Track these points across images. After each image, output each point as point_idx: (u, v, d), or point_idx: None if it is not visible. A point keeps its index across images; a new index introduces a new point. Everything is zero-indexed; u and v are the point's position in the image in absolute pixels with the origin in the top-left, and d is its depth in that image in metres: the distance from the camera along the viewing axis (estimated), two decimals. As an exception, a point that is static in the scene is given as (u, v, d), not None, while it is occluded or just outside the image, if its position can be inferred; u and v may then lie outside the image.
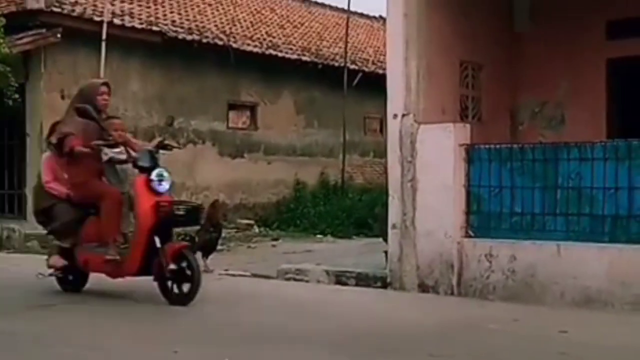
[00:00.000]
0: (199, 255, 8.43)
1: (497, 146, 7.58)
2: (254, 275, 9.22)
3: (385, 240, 8.22)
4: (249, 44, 16.40)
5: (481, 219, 7.52)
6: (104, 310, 6.78)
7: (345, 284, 8.33)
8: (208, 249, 9.32)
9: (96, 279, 7.52)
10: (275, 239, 14.26)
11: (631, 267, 6.50)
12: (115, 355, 5.09)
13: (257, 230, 15.54)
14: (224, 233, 14.72)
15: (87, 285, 7.60)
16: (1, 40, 12.85)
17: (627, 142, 6.81)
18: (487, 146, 7.59)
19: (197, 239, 9.04)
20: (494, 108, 9.49)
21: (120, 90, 14.35)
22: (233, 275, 9.17)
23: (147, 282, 6.97)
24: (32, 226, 13.06)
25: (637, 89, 9.37)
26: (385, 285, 7.98)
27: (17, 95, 13.12)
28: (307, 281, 8.59)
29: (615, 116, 9.45)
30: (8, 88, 12.92)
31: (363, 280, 8.27)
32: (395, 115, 8.01)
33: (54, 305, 6.89)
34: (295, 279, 8.68)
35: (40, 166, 8.04)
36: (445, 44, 8.48)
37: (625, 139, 6.97)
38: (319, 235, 14.60)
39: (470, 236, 7.52)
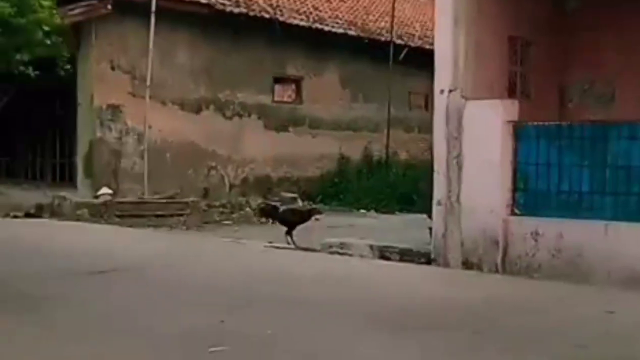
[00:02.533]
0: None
1: (546, 123, 7.52)
2: (298, 248, 9.31)
3: (430, 216, 8.22)
4: (295, 18, 16.39)
5: (528, 196, 7.48)
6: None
7: (388, 258, 8.38)
8: (285, 224, 9.73)
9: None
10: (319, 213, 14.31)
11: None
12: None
13: (300, 203, 15.62)
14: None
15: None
16: (54, 12, 13.09)
17: (680, 121, 6.70)
18: (535, 123, 7.53)
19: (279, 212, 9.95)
20: (543, 85, 9.37)
21: (168, 62, 14.54)
22: (277, 247, 9.27)
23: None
24: (82, 194, 13.42)
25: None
26: (429, 261, 8.01)
27: (68, 66, 13.37)
28: (350, 255, 8.65)
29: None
30: (60, 58, 13.19)
31: (407, 255, 8.30)
32: (442, 91, 7.98)
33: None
34: (339, 253, 8.75)
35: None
36: (494, 20, 8.39)
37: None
38: (362, 210, 14.65)
39: (516, 214, 7.49)
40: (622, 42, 9.27)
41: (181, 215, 13.12)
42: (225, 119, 15.56)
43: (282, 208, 10.11)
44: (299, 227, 9.69)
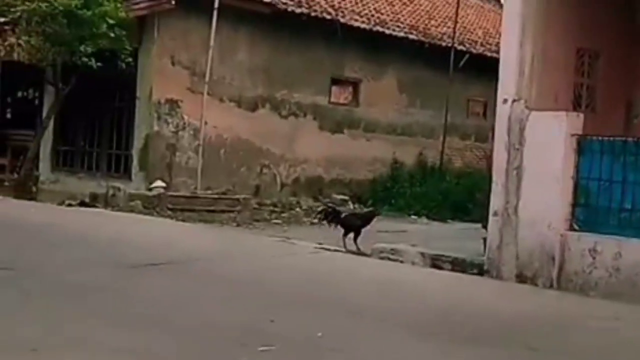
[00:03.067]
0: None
1: (611, 138, 7.30)
2: (348, 252, 9.24)
3: (485, 226, 8.07)
4: (356, 20, 16.33)
5: (588, 212, 7.28)
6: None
7: (440, 267, 8.25)
8: (348, 228, 9.60)
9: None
10: (370, 217, 14.22)
11: None
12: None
13: (351, 206, 15.56)
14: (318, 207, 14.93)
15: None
16: (119, 5, 13.28)
17: None
18: (599, 138, 7.32)
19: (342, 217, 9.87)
20: (609, 98, 9.12)
21: (227, 60, 14.62)
22: (328, 249, 9.22)
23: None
24: (136, 186, 13.57)
25: None
26: (481, 272, 7.86)
27: (130, 59, 13.55)
28: (401, 262, 8.55)
29: None
30: (122, 51, 13.37)
31: (459, 265, 8.16)
32: (505, 100, 7.82)
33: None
34: (389, 259, 8.65)
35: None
36: (562, 30, 8.20)
37: None
38: (413, 216, 14.51)
39: (574, 229, 7.30)
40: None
41: (232, 211, 13.18)
42: (280, 118, 15.58)
43: (344, 212, 10.05)
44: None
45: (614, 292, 6.87)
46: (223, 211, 13.13)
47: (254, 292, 6.30)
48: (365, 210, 10.19)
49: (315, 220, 9.65)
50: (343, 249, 9.32)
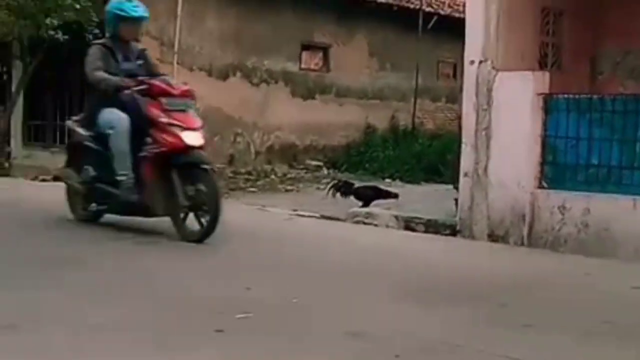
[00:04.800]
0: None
1: (576, 96, 7.42)
2: (323, 217, 9.34)
3: (456, 188, 8.19)
4: (324, -16, 16.23)
5: (556, 170, 7.42)
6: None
7: (414, 229, 8.38)
8: (361, 198, 9.91)
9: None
10: (344, 182, 14.33)
11: None
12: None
13: (325, 172, 15.65)
14: (293, 174, 15.01)
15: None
16: (83, -24, 13.08)
17: None
18: (565, 96, 7.43)
19: (354, 188, 10.19)
20: (574, 56, 9.23)
21: (197, 29, 14.51)
22: (302, 215, 9.31)
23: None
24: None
25: None
26: (454, 233, 8.00)
27: (97, 31, 13.38)
28: (375, 225, 8.66)
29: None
30: (89, 23, 13.20)
31: (432, 227, 8.29)
32: (472, 62, 7.89)
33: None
34: (364, 223, 8.76)
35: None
36: (526, -11, 8.25)
37: None
38: (387, 180, 14.60)
39: (543, 187, 7.44)
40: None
41: (207, 181, 13.16)
42: (252, 85, 15.55)
43: (357, 185, 10.38)
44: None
45: (583, 248, 7.03)
46: (198, 181, 13.10)
47: (230, 261, 6.37)
48: (386, 189, 10.55)
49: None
50: (317, 214, 9.41)
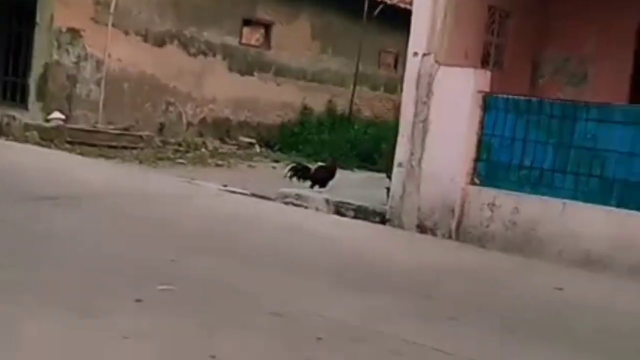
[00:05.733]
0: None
1: (516, 97, 7.47)
2: (253, 195, 9.18)
3: (389, 176, 8.17)
4: (272, -40, 15.98)
5: (489, 167, 7.47)
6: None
7: (344, 214, 8.32)
8: (317, 182, 9.74)
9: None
10: (276, 161, 14.19)
11: (636, 233, 6.47)
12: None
13: (258, 150, 15.46)
14: (225, 149, 14.76)
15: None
16: None
17: (649, 109, 6.72)
18: (505, 96, 7.48)
19: (311, 172, 10.03)
20: (517, 58, 9.32)
21: (135, -9, 14.06)
22: (233, 192, 9.13)
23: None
24: (32, 116, 13.01)
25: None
26: (383, 221, 7.97)
27: (30, -18, 12.83)
28: (305, 207, 8.57)
29: (639, 80, 9.29)
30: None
31: (362, 213, 8.25)
32: (415, 54, 7.85)
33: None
34: (294, 204, 8.66)
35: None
36: (476, -14, 8.26)
37: (647, 105, 6.88)
38: (320, 163, 14.51)
39: (475, 184, 7.48)
40: (600, 24, 9.22)
41: (134, 148, 12.85)
42: (189, 55, 15.17)
43: (313, 168, 10.30)
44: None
45: (510, 246, 7.10)
46: (125, 147, 12.79)
47: (157, 231, 6.18)
48: (330, 162, 10.45)
49: (287, 178, 9.80)
50: (247, 192, 9.26)
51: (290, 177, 9.88)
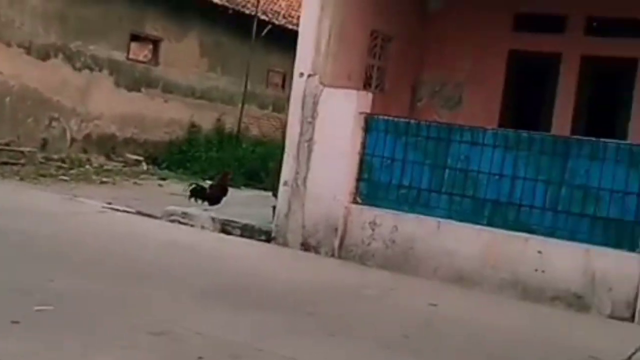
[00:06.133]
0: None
1: (395, 119, 7.78)
2: (138, 213, 9.11)
3: (275, 195, 8.30)
4: (161, -23, 15.90)
5: (370, 187, 7.72)
6: None
7: (230, 233, 8.38)
8: (212, 201, 9.84)
9: None
10: (163, 179, 14.10)
11: (503, 251, 6.86)
12: None
13: (145, 167, 15.29)
14: (110, 166, 14.53)
15: None
16: None
17: (517, 132, 7.15)
18: (385, 117, 7.76)
19: (207, 191, 10.17)
20: (398, 81, 9.69)
21: (18, 2, 13.69)
22: (117, 210, 9.03)
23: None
24: None
25: (533, 83, 9.81)
26: (269, 239, 8.09)
27: None
28: (192, 225, 8.58)
29: (509, 105, 9.86)
30: None
31: (248, 231, 8.34)
32: (301, 74, 8.05)
33: None
34: (180, 222, 8.65)
35: None
36: (359, 11, 8.56)
37: (516, 129, 7.32)
38: (207, 181, 14.50)
39: (357, 202, 7.72)
40: (475, 50, 9.76)
41: (16, 164, 12.46)
42: (74, 70, 14.86)
43: (208, 187, 10.42)
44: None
45: (390, 264, 7.36)
46: (5, 163, 12.40)
47: (35, 250, 6.05)
48: (221, 178, 10.67)
49: (189, 199, 9.76)
50: (132, 210, 9.17)
51: (189, 197, 9.90)
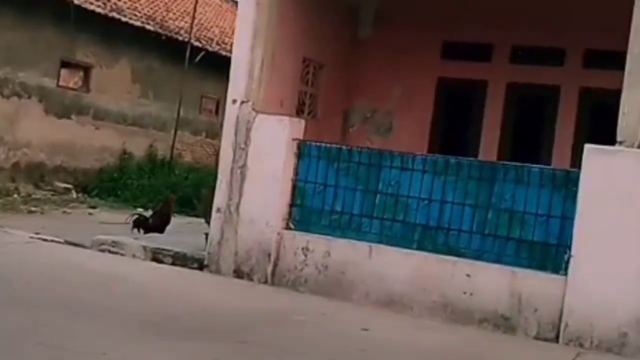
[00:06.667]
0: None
1: (327, 145, 7.86)
2: (67, 243, 8.92)
3: (208, 222, 8.26)
4: (91, 3, 15.71)
5: (303, 213, 7.76)
6: None
7: (161, 261, 8.28)
8: (155, 231, 9.83)
9: None
10: (93, 207, 13.86)
11: (433, 274, 6.96)
12: None
13: (74, 195, 15.00)
14: (39, 195, 14.22)
15: None
16: None
17: (445, 158, 7.31)
18: (317, 144, 7.84)
19: (150, 221, 10.13)
20: (330, 108, 9.80)
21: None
22: (45, 240, 8.82)
23: None
24: None
25: (461, 109, 10.06)
26: (201, 267, 8.02)
27: None
28: (122, 254, 8.44)
29: (438, 131, 10.07)
30: None
31: (180, 259, 8.26)
32: (234, 101, 8.07)
33: None
34: (110, 251, 8.50)
35: None
36: (292, 39, 8.65)
37: (444, 155, 7.48)
38: (139, 209, 14.31)
39: (290, 228, 7.73)
40: (404, 78, 9.96)
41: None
42: (2, 97, 14.53)
43: (150, 217, 10.37)
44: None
45: (322, 289, 7.38)
46: None
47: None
48: (162, 208, 10.65)
49: (131, 230, 9.66)
50: (60, 240, 8.97)
51: (132, 228, 9.78)
